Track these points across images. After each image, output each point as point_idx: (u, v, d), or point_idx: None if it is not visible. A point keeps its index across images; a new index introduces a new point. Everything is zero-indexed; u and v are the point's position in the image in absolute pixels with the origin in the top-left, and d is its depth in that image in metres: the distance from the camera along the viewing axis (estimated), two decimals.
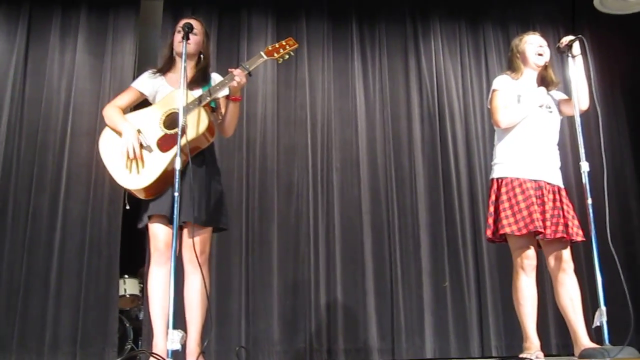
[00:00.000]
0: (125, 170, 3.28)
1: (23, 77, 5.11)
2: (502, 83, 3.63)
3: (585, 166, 3.27)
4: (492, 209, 3.54)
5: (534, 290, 3.48)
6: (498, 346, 5.11)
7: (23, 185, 4.89)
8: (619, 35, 6.01)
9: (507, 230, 3.41)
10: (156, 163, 3.23)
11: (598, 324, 3.05)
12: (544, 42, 3.65)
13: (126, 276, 5.59)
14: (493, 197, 3.55)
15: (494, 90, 3.64)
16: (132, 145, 3.25)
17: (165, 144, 3.26)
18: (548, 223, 3.39)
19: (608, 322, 3.02)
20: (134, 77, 5.13)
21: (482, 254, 5.30)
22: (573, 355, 3.43)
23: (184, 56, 3.20)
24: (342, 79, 5.62)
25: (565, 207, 3.46)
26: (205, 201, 3.30)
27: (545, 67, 3.67)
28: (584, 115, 3.51)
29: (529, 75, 3.66)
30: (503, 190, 3.49)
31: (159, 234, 3.27)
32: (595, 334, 3.27)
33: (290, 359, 4.87)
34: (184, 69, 3.17)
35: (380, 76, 5.68)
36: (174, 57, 3.54)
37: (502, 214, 3.44)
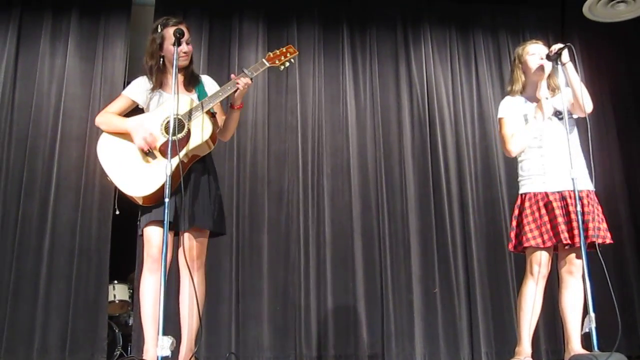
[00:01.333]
0: (129, 176, 3.24)
1: (13, 82, 5.09)
2: (505, 109, 3.66)
3: (574, 173, 3.29)
4: (514, 223, 3.57)
5: (539, 298, 3.50)
6: (488, 352, 5.11)
7: (12, 190, 4.87)
8: (607, 42, 6.05)
9: (532, 243, 3.44)
10: (161, 170, 3.21)
11: (587, 330, 3.06)
12: (544, 52, 3.61)
13: (115, 282, 5.55)
14: (516, 212, 3.58)
15: (500, 119, 3.67)
16: (149, 139, 3.23)
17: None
18: (576, 232, 3.36)
19: (597, 328, 3.04)
20: (125, 82, 5.15)
21: (472, 260, 5.30)
22: None
23: (175, 62, 3.18)
24: (332, 85, 5.63)
25: (595, 210, 3.46)
26: (210, 207, 3.32)
27: (548, 75, 3.67)
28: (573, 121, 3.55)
29: (531, 85, 3.66)
30: (526, 204, 3.52)
31: (154, 239, 3.22)
32: (584, 340, 3.30)
33: None
34: (175, 75, 3.15)
35: (371, 82, 5.70)
36: (165, 64, 3.46)
37: (527, 228, 3.47)
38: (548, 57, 3.51)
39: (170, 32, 3.36)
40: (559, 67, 3.47)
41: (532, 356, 3.48)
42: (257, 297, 4.99)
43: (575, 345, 3.38)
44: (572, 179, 3.28)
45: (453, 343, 5.13)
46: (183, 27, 3.38)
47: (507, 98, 3.71)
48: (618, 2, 5.01)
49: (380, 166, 5.46)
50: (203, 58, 5.37)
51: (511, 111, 3.64)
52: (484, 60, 5.90)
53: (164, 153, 3.22)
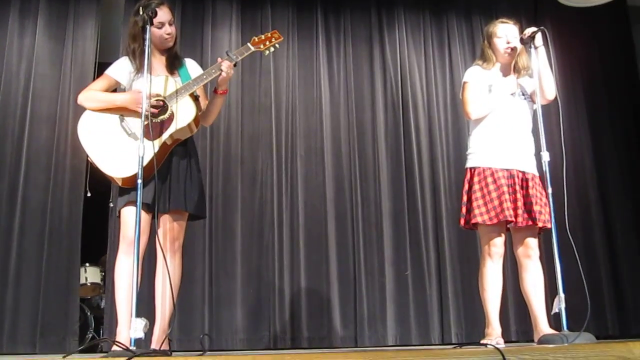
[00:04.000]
0: (110, 157, 3.18)
1: None
2: (472, 75, 3.67)
3: (545, 156, 3.32)
4: (465, 198, 3.58)
5: (500, 277, 3.53)
6: (458, 333, 5.18)
7: None
8: (579, 27, 6.10)
9: (479, 219, 3.46)
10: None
11: (557, 310, 3.10)
12: (512, 33, 3.64)
13: (87, 264, 5.51)
14: (466, 187, 3.59)
15: (464, 83, 3.68)
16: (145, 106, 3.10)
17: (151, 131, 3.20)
18: (520, 211, 3.43)
19: (566, 308, 3.08)
20: (96, 63, 5.07)
21: (443, 243, 5.36)
22: (532, 341, 3.50)
23: (148, 42, 3.11)
24: (307, 67, 5.62)
25: (538, 194, 3.50)
26: (191, 189, 3.29)
27: (517, 55, 3.69)
28: (545, 105, 3.56)
29: (501, 64, 3.69)
30: (475, 179, 3.53)
31: (131, 221, 3.12)
32: (554, 320, 3.34)
33: (254, 347, 4.87)
34: (148, 55, 3.09)
35: (345, 65, 5.69)
36: (150, 47, 3.27)
37: (474, 204, 3.49)
38: (522, 40, 3.54)
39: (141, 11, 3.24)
40: (532, 50, 3.49)
41: (502, 336, 3.52)
42: (230, 279, 4.98)
43: (543, 326, 3.42)
44: (544, 162, 3.30)
45: (424, 325, 5.19)
46: (166, 8, 3.35)
47: (476, 67, 3.72)
48: None
49: (353, 149, 5.47)
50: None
51: (477, 78, 3.65)
52: (457, 44, 5.92)
53: (147, 134, 3.18)
